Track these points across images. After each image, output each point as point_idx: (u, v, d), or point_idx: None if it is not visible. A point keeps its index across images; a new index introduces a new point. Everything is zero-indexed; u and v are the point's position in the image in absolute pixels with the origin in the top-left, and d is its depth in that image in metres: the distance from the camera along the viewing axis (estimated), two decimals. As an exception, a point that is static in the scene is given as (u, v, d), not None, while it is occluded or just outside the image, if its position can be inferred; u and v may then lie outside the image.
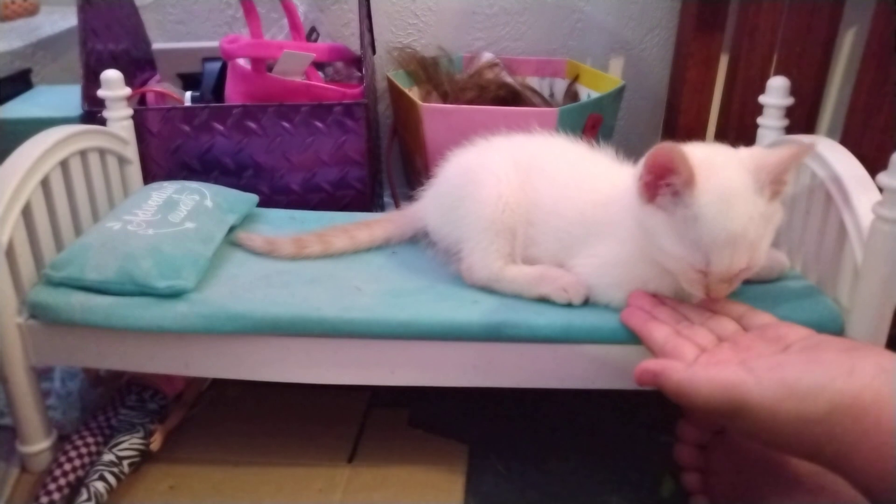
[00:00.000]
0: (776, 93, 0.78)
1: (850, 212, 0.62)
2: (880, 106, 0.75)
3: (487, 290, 0.68)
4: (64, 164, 0.71)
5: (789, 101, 0.78)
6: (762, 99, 0.79)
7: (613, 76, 1.08)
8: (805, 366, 0.46)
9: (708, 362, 0.52)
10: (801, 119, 0.87)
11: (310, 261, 0.74)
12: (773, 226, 0.56)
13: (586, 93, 1.12)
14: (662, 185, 0.55)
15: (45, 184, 0.68)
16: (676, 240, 0.54)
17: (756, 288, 0.67)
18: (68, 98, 0.96)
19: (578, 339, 0.63)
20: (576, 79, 1.15)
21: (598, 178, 0.67)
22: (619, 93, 1.03)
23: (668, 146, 0.52)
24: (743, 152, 0.58)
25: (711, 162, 0.54)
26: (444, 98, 1.07)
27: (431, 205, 0.76)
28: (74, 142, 0.73)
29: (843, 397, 0.43)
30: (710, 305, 0.60)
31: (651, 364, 0.52)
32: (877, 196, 0.59)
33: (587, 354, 0.63)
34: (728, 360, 0.51)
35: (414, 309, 0.65)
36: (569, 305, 0.65)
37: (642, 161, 0.57)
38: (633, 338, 0.62)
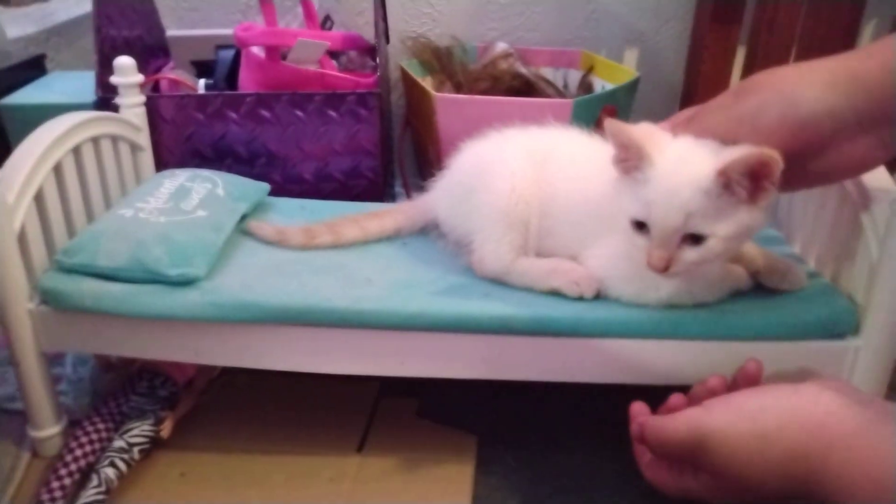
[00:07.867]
0: (794, 87, 0.76)
1: (867, 208, 0.61)
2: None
3: (498, 282, 0.68)
4: (76, 151, 0.71)
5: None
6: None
7: (628, 67, 1.07)
8: (751, 392, 0.52)
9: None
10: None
11: (320, 251, 0.74)
12: (742, 225, 0.55)
13: (601, 84, 1.11)
14: (623, 159, 0.58)
15: (57, 170, 0.68)
16: (632, 198, 0.58)
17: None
18: (82, 84, 0.96)
19: (589, 333, 0.62)
20: (590, 70, 1.14)
21: (611, 170, 0.66)
22: (633, 85, 1.02)
23: (613, 123, 0.58)
24: (726, 150, 0.56)
25: (668, 143, 0.58)
26: (458, 88, 1.06)
27: (443, 196, 0.75)
28: (87, 128, 0.73)
29: (793, 415, 0.47)
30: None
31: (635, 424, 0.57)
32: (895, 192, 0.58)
33: (598, 349, 0.63)
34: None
35: (424, 300, 0.64)
36: (580, 299, 0.64)
37: None
38: (643, 332, 0.62)
